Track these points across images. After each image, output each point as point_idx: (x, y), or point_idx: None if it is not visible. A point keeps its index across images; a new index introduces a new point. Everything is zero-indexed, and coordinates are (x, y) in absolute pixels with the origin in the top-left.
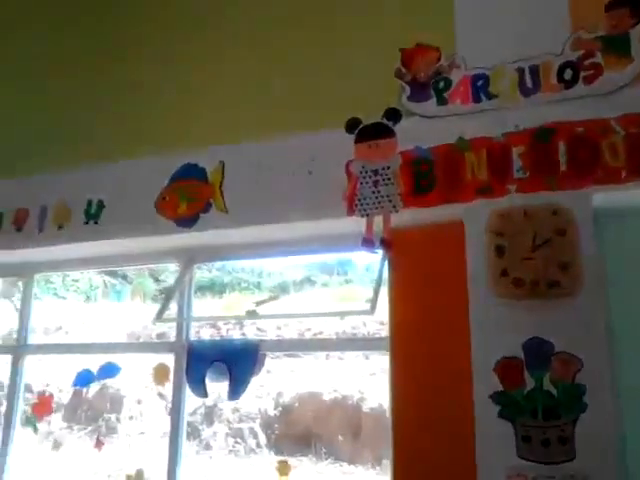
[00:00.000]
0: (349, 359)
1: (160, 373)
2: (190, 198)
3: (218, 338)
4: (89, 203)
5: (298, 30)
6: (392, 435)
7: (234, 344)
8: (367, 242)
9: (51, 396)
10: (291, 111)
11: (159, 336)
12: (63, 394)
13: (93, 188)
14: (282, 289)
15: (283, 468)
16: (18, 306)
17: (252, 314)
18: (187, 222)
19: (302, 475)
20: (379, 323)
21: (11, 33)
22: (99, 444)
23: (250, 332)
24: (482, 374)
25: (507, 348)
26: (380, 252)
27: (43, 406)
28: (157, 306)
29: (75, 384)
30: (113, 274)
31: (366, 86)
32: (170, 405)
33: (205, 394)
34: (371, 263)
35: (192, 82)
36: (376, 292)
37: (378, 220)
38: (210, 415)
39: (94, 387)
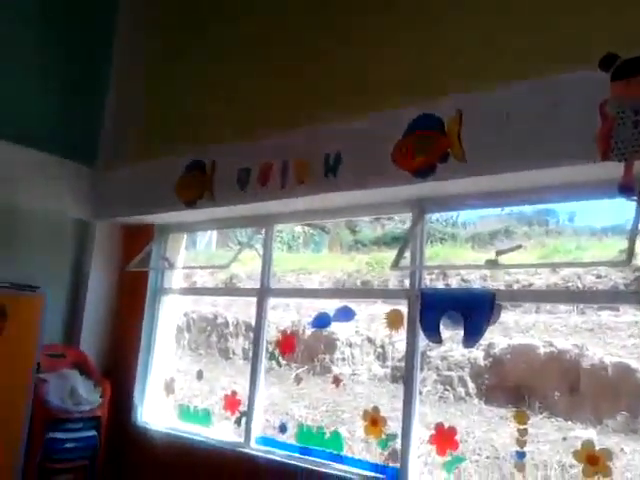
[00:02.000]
0: (560, 313)
1: (394, 319)
2: (427, 148)
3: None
4: (327, 157)
5: None
6: None
7: (469, 293)
8: (625, 188)
9: (293, 335)
10: (532, 53)
11: (363, 284)
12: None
13: (331, 142)
14: (478, 240)
15: (520, 417)
16: (261, 253)
17: (492, 263)
18: (423, 172)
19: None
20: (595, 276)
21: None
22: (337, 380)
23: (454, 282)
24: None
25: None
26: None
27: (286, 344)
28: (354, 255)
29: (314, 325)
30: (312, 225)
31: (620, 18)
32: (380, 350)
33: (440, 340)
34: (574, 212)
35: (427, 32)
36: (632, 242)
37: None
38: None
39: (307, 331)
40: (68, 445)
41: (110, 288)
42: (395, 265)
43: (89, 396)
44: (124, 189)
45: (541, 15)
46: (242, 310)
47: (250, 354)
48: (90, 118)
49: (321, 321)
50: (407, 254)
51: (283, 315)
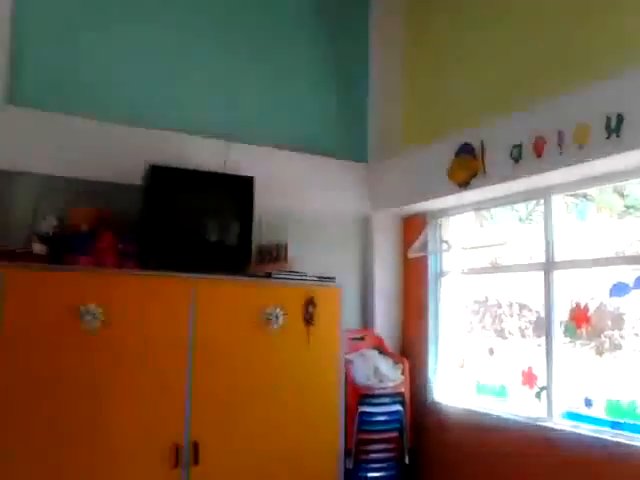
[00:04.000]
0: None
1: None
2: None
3: None
4: (608, 119)
5: None
6: None
7: None
8: None
9: (586, 308)
10: None
11: None
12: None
13: (609, 103)
14: None
15: None
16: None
17: None
18: None
19: None
20: None
21: None
22: None
23: None
24: None
25: None
26: None
27: (580, 317)
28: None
29: (611, 295)
30: (574, 195)
31: None
32: None
33: None
34: None
35: None
36: None
37: None
38: None
39: (593, 305)
40: (378, 418)
41: (394, 274)
42: None
43: (391, 374)
44: (396, 180)
45: None
46: (512, 290)
47: (527, 333)
48: (357, 117)
49: (618, 290)
50: None
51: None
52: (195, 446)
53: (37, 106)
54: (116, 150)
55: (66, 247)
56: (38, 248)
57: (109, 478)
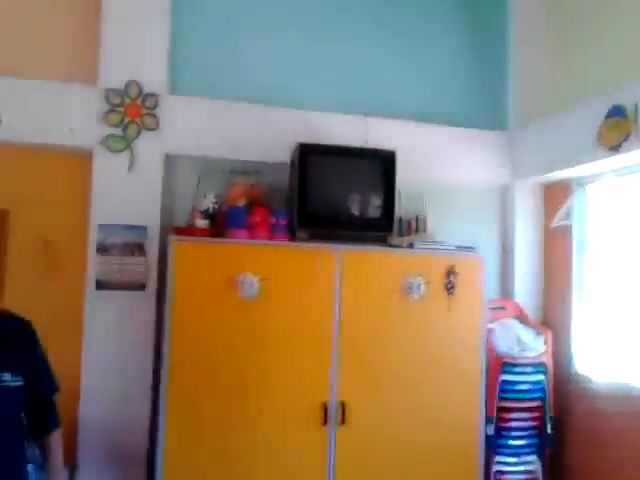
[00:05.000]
0: None
1: None
2: None
3: None
4: None
5: None
6: None
7: None
8: None
9: None
10: None
11: None
12: None
13: None
14: None
15: None
16: None
17: None
18: None
19: None
20: None
21: None
22: None
23: None
24: None
25: None
26: None
27: None
28: None
29: None
30: None
31: None
32: None
33: None
34: None
35: None
36: None
37: None
38: None
39: None
40: (520, 387)
41: (536, 243)
42: None
43: (533, 343)
44: (539, 146)
45: None
46: None
47: None
48: (496, 85)
49: None
50: None
51: None
52: (342, 406)
53: (193, 94)
54: (265, 131)
55: (225, 222)
56: (201, 223)
57: (266, 432)
